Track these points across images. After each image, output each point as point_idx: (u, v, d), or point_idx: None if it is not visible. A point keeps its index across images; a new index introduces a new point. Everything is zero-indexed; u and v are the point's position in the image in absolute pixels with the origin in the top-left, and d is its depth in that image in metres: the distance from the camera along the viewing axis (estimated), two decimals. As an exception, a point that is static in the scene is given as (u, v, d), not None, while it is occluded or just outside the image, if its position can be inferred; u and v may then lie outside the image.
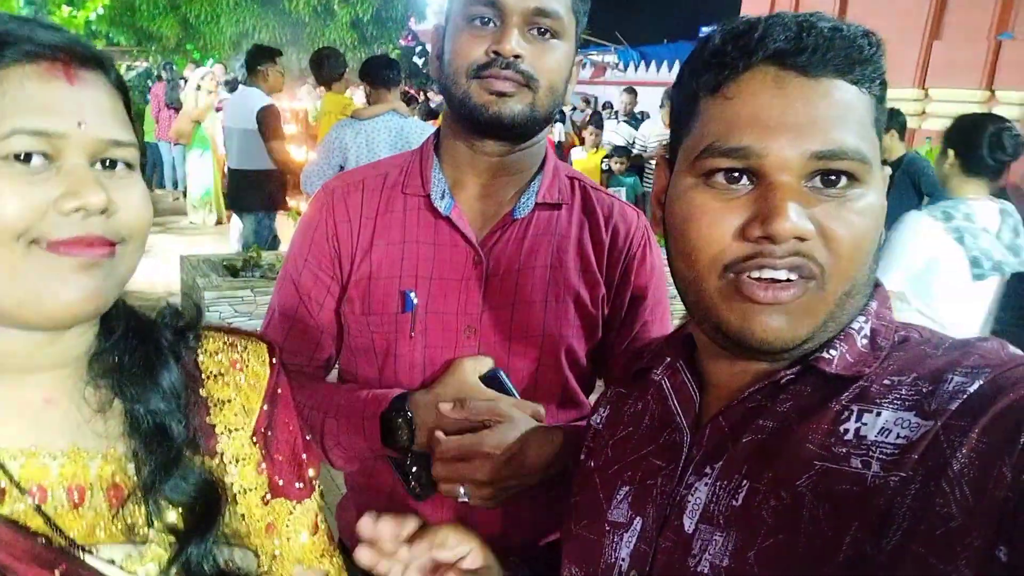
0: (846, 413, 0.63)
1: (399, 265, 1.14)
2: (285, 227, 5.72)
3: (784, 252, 0.62)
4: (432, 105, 8.90)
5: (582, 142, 8.30)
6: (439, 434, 1.03)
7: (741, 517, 0.65)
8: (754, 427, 0.68)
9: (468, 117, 1.08)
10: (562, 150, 8.32)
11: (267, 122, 4.93)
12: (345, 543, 1.25)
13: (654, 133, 7.08)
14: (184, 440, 0.72)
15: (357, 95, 6.45)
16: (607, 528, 0.78)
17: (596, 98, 13.24)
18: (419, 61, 14.26)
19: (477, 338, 1.13)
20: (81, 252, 0.63)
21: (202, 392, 0.77)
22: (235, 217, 6.54)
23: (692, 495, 0.69)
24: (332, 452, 1.14)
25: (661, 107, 7.32)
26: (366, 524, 0.81)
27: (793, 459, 0.63)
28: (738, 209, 0.64)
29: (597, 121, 8.18)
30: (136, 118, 0.72)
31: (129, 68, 11.22)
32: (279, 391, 0.82)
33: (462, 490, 1.02)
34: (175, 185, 9.55)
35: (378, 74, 4.27)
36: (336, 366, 1.28)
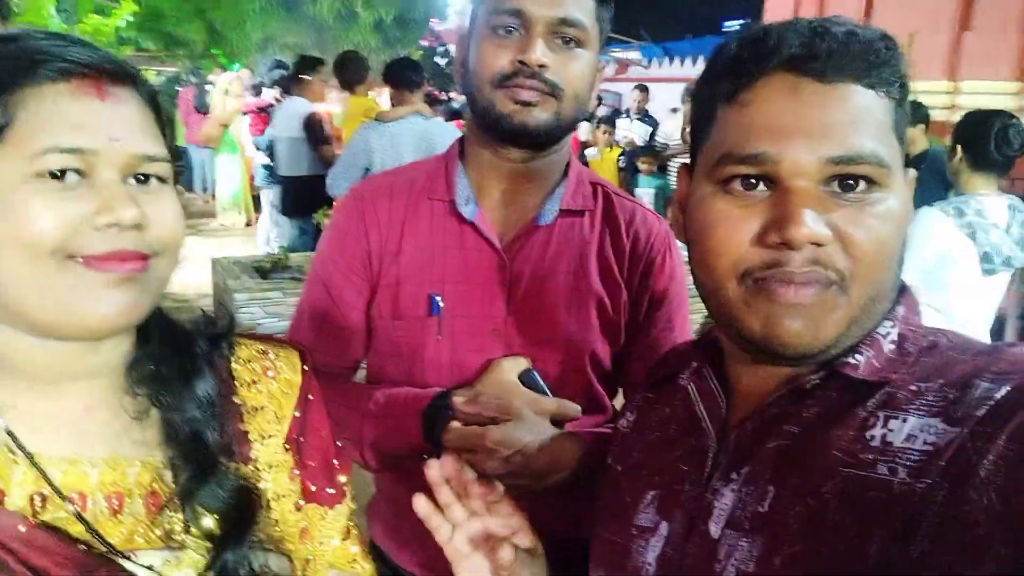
0: (872, 419, 0.62)
1: (426, 270, 1.15)
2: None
3: (802, 259, 0.62)
4: (455, 105, 8.89)
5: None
6: (452, 424, 1.04)
7: (767, 523, 0.65)
8: (780, 433, 0.68)
9: (493, 126, 1.09)
10: (586, 149, 8.25)
11: (314, 128, 5.09)
12: (376, 545, 1.27)
13: (678, 129, 7.01)
14: (219, 447, 0.73)
15: (381, 97, 6.48)
16: (634, 532, 0.78)
17: (620, 95, 13.14)
18: (441, 61, 14.28)
19: (502, 341, 1.14)
20: (115, 267, 0.64)
21: (236, 399, 0.78)
22: (261, 219, 6.62)
23: (718, 501, 0.69)
24: (367, 452, 1.15)
25: (683, 103, 7.24)
26: (432, 469, 0.82)
27: (819, 465, 0.63)
28: (755, 215, 0.64)
29: (609, 119, 8.08)
30: (168, 123, 0.73)
31: (159, 73, 11.40)
32: (311, 397, 0.83)
33: None
34: (204, 188, 9.67)
35: (401, 76, 4.29)
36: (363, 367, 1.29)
